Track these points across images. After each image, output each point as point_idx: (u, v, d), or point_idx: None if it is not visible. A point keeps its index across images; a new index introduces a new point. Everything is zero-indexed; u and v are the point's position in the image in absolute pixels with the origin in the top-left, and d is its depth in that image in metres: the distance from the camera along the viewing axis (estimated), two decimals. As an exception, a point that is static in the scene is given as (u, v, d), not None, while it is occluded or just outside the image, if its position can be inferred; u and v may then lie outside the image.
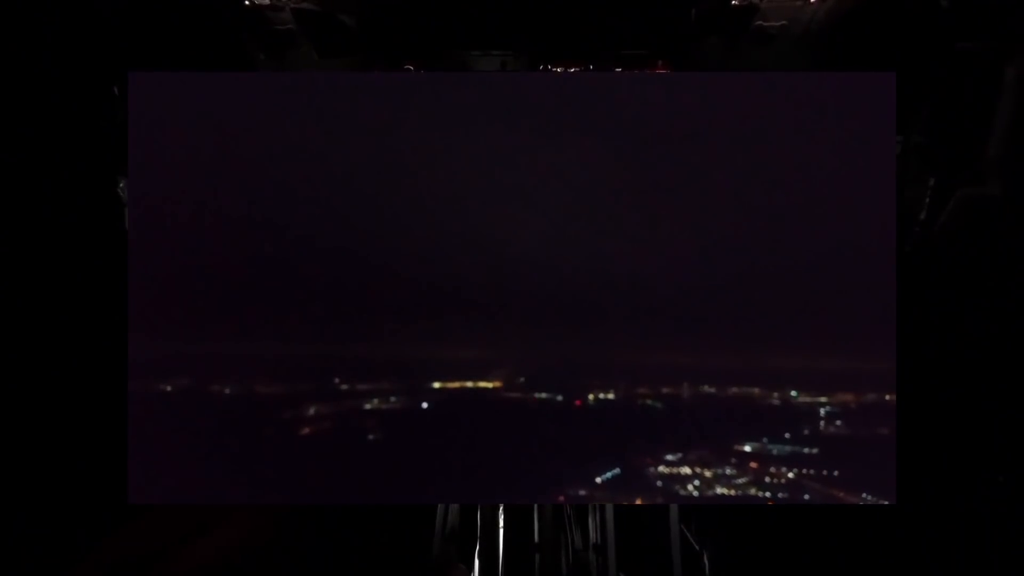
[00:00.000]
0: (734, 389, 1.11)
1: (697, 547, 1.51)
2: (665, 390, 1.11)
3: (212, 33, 1.96)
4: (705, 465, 1.06)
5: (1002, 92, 1.27)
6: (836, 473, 1.04)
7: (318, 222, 1.09)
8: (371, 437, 1.08)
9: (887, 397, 1.02)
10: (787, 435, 1.08)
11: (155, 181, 1.05)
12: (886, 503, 1.00)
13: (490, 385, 1.12)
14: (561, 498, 1.05)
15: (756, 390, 1.10)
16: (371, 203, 1.10)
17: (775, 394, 1.10)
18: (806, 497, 1.05)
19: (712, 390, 1.11)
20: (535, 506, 1.69)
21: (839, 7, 1.69)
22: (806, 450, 1.07)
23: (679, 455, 1.07)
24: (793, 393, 1.10)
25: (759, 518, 1.21)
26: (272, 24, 1.99)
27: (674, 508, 1.46)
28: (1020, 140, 1.25)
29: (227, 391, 1.10)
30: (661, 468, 1.06)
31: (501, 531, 1.74)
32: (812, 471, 1.05)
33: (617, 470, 1.06)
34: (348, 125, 1.08)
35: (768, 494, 1.05)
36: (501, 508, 1.73)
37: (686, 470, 1.06)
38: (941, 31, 1.48)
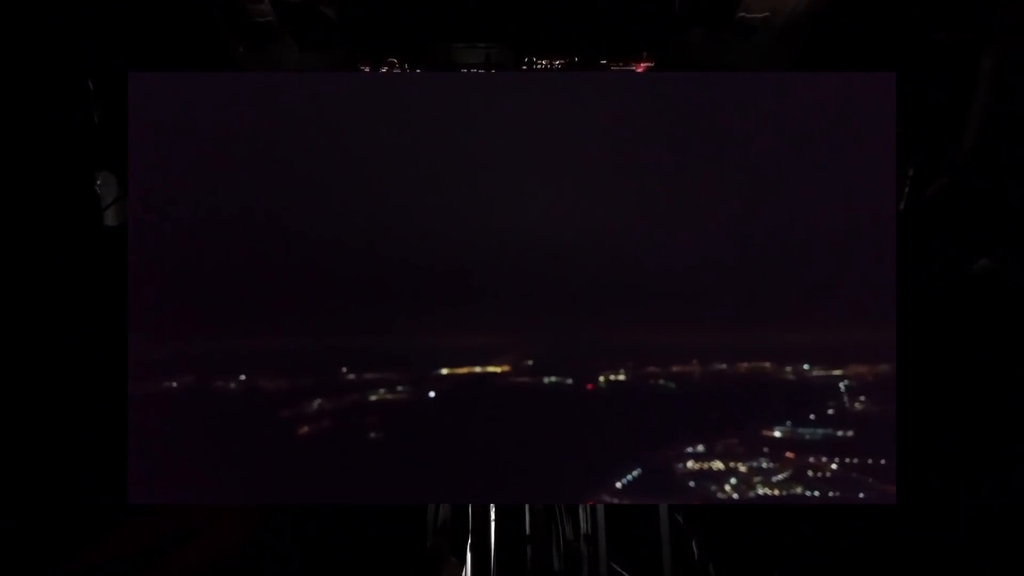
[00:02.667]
0: (745, 364, 1.10)
1: (687, 534, 1.53)
2: (675, 368, 1.10)
3: (189, 25, 1.91)
4: (737, 458, 1.01)
5: (978, 82, 1.32)
6: (883, 461, 0.97)
7: (319, 215, 1.08)
8: (378, 434, 1.07)
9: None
10: (812, 416, 1.05)
11: (155, 180, 1.03)
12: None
13: (498, 370, 1.12)
14: (591, 502, 1.01)
15: (767, 364, 1.09)
16: (372, 195, 1.09)
17: (787, 368, 1.09)
18: (861, 496, 0.96)
19: (723, 366, 1.10)
20: None
21: (820, -1, 1.73)
22: (840, 433, 1.01)
23: (705, 446, 1.02)
24: (806, 367, 1.08)
25: (749, 505, 1.22)
26: (251, 16, 1.96)
27: None
28: (997, 129, 1.29)
29: (231, 386, 1.08)
30: (690, 464, 1.01)
31: (492, 524, 1.74)
32: (856, 460, 0.98)
33: (639, 470, 1.02)
34: (347, 121, 1.08)
35: (816, 492, 0.97)
36: (493, 502, 1.72)
37: (718, 464, 1.01)
38: (919, 22, 1.53)
